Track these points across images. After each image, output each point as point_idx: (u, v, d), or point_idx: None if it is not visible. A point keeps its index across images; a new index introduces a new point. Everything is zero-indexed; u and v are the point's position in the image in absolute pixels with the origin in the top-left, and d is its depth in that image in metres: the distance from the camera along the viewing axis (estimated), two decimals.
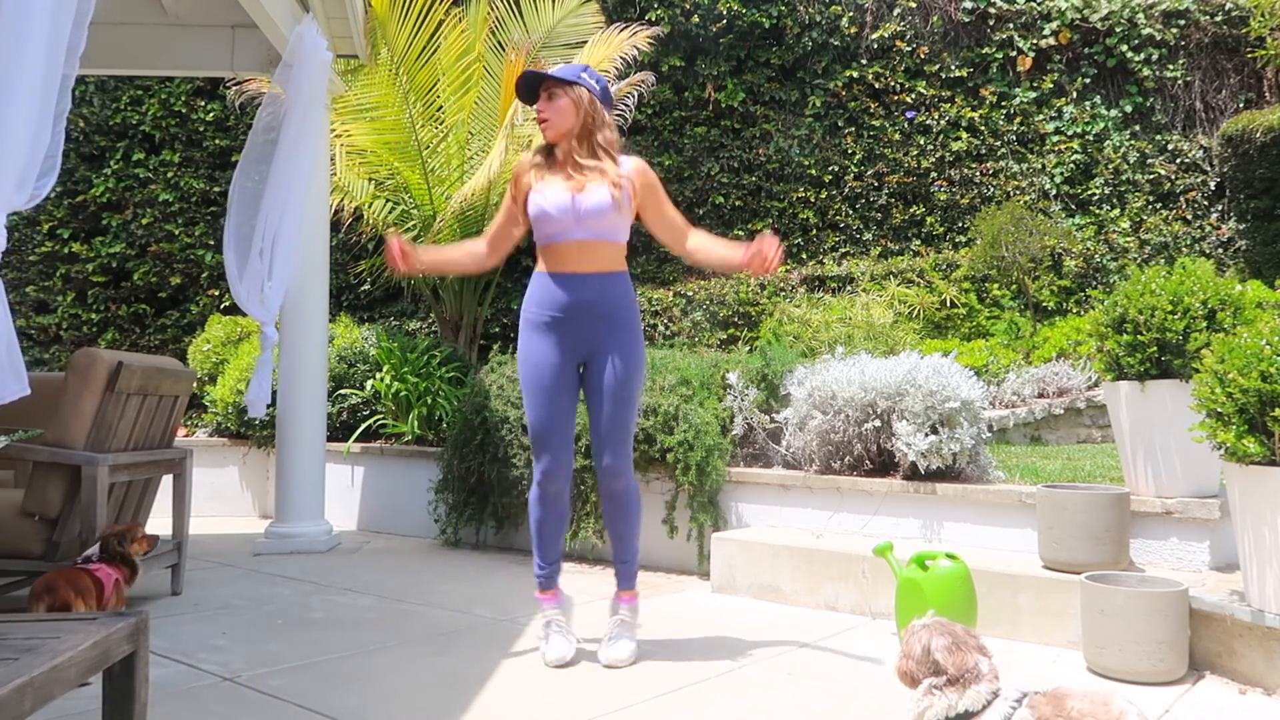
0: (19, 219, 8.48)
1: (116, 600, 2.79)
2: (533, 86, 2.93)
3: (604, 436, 2.89)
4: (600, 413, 2.89)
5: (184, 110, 8.67)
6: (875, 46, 8.53)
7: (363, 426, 5.86)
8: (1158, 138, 8.17)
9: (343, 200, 7.14)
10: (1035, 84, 8.35)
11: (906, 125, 8.45)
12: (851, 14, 8.54)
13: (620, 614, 3.00)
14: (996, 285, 7.74)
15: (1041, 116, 8.31)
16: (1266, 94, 8.21)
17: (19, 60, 2.46)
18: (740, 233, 8.46)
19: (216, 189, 8.70)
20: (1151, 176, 8.11)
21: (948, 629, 1.88)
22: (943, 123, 8.39)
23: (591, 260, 2.86)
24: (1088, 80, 8.29)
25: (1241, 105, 8.18)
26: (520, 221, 3.00)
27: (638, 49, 6.96)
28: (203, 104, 8.68)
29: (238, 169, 4.92)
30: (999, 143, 8.34)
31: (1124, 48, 8.22)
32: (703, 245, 2.98)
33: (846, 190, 8.46)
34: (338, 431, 5.99)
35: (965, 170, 8.34)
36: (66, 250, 8.47)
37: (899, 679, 1.93)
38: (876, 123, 8.48)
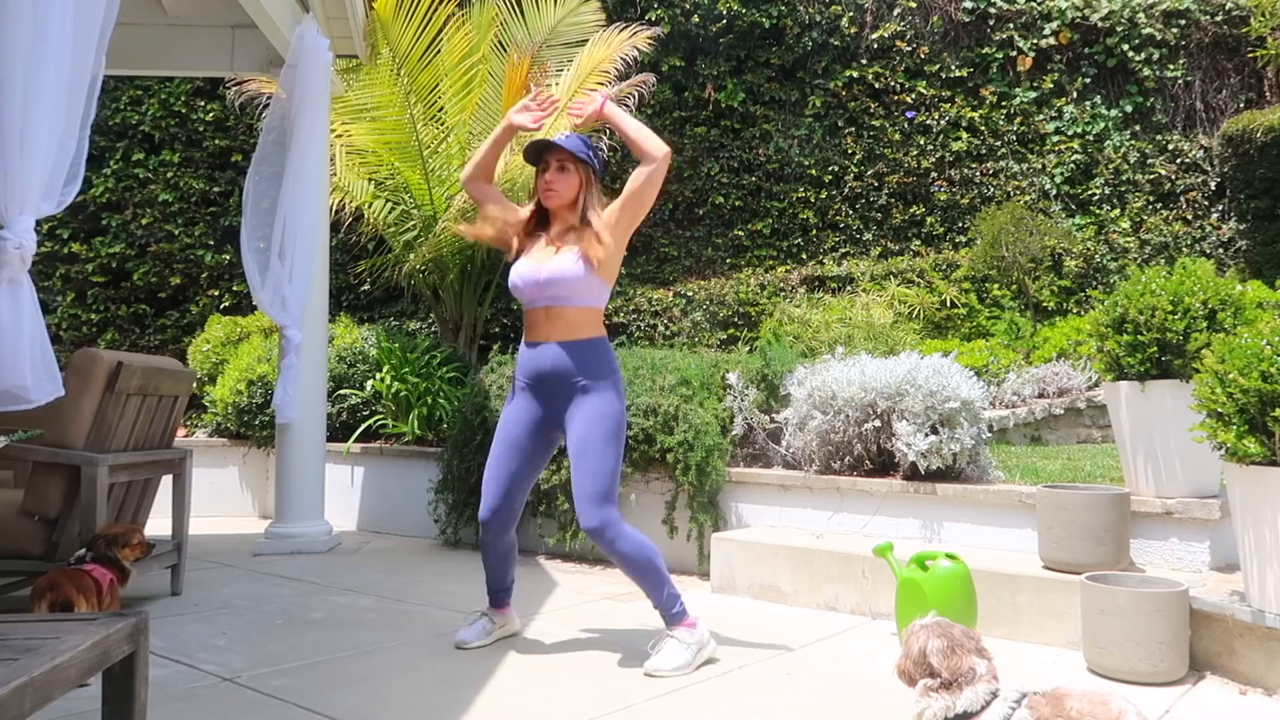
0: None
1: (110, 601, 2.79)
2: (538, 152, 2.98)
3: (580, 497, 2.85)
4: (577, 474, 2.87)
5: (184, 110, 8.67)
6: (875, 46, 8.53)
7: (363, 427, 5.86)
8: (1158, 138, 8.17)
9: (343, 200, 7.14)
10: (1035, 84, 8.35)
11: (906, 125, 8.45)
12: (851, 14, 8.54)
13: (668, 632, 2.90)
14: (996, 285, 7.74)
15: (1042, 116, 8.31)
16: (1267, 94, 8.22)
17: (41, 66, 2.47)
18: (740, 233, 8.47)
19: (216, 189, 8.70)
20: (1152, 176, 8.11)
21: (946, 631, 1.88)
22: (943, 123, 8.39)
23: (559, 328, 2.91)
24: (1088, 80, 8.29)
25: (1242, 105, 8.18)
26: (505, 226, 3.07)
27: (638, 49, 6.96)
28: (203, 104, 8.68)
29: (250, 172, 4.92)
30: (999, 143, 8.34)
31: (1124, 47, 8.22)
32: (633, 150, 3.00)
33: (846, 190, 8.46)
34: (338, 431, 5.99)
35: (965, 170, 8.34)
36: (66, 250, 8.47)
37: (899, 677, 1.93)
38: (876, 123, 8.48)
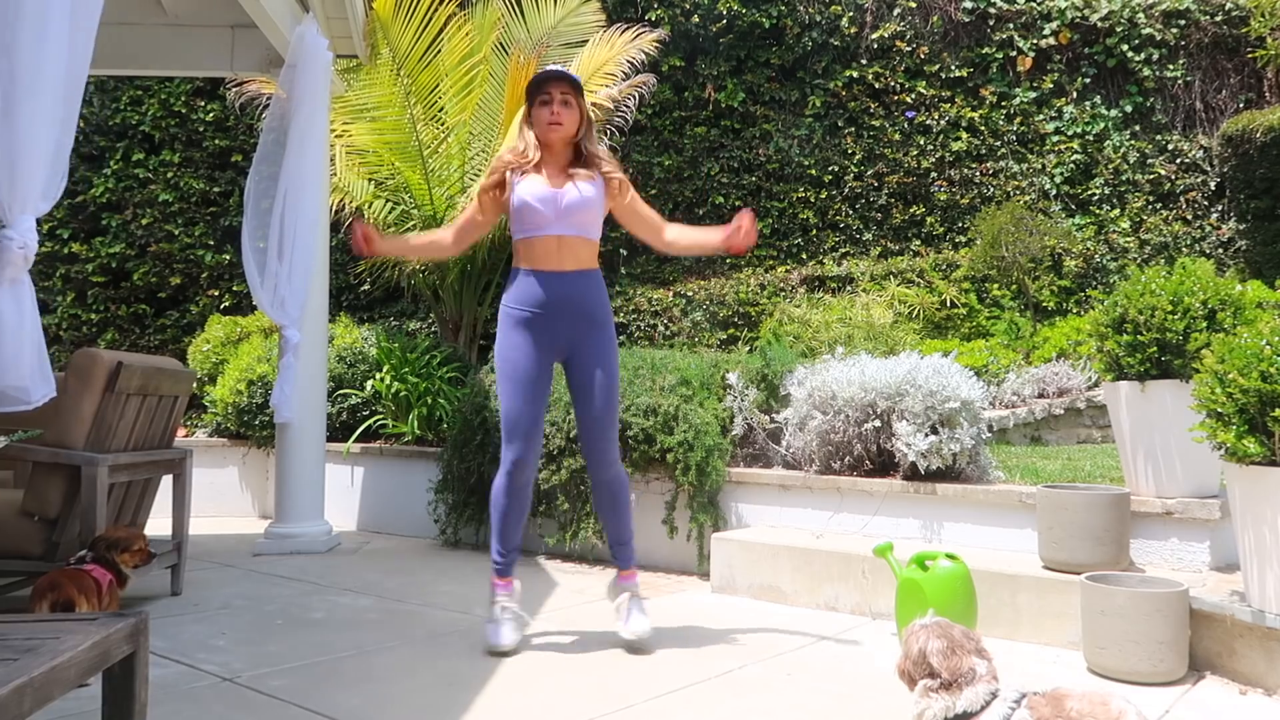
0: None
1: (110, 602, 2.79)
2: (541, 83, 2.98)
3: (595, 429, 2.99)
4: (590, 406, 2.98)
5: (184, 110, 8.67)
6: (875, 46, 8.53)
7: (363, 427, 5.86)
8: (1158, 138, 8.18)
9: (343, 200, 7.14)
10: (1035, 84, 8.35)
11: (906, 125, 8.45)
12: (851, 14, 8.54)
13: (626, 589, 3.09)
14: (996, 285, 7.74)
15: (1041, 116, 8.31)
16: (1266, 94, 8.22)
17: (45, 65, 2.47)
18: None
19: (216, 189, 8.70)
20: (1151, 176, 8.11)
21: (946, 632, 1.88)
22: (943, 123, 8.39)
23: (571, 257, 2.95)
24: (1088, 80, 8.29)
25: (1241, 105, 8.19)
26: (489, 213, 3.07)
27: (645, 53, 6.94)
28: (202, 104, 8.68)
29: (250, 173, 4.92)
30: (999, 143, 8.34)
31: (1124, 47, 8.22)
32: (681, 234, 3.14)
33: (846, 190, 8.46)
34: (338, 431, 6.00)
35: (965, 170, 8.34)
36: (66, 250, 8.47)
37: (899, 677, 1.93)
38: (876, 123, 8.48)
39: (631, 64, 6.94)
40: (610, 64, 6.84)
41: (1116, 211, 8.10)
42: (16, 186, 2.50)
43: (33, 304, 2.58)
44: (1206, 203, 8.04)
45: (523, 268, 2.98)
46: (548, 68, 3.00)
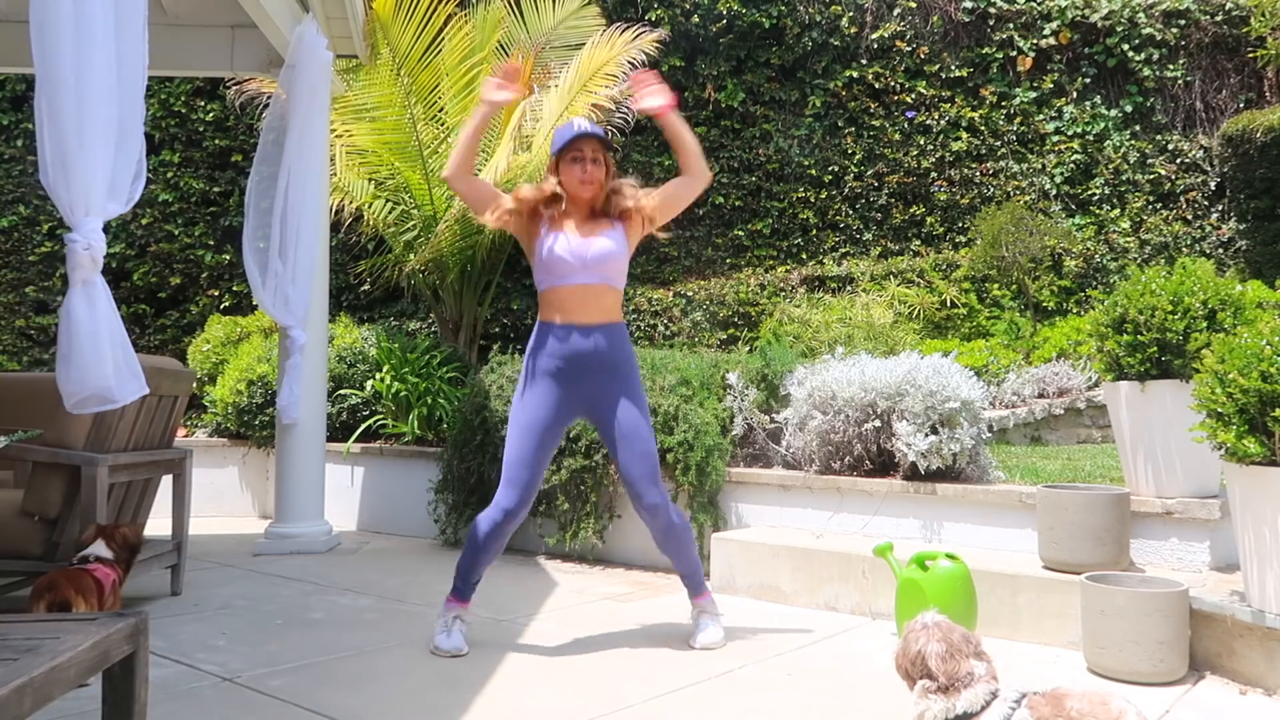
0: (19, 219, 8.48)
1: (114, 601, 2.79)
2: (574, 140, 3.00)
3: (640, 479, 2.99)
4: (632, 457, 2.99)
5: (184, 110, 8.68)
6: (875, 46, 8.53)
7: (363, 427, 5.86)
8: (1158, 138, 8.17)
9: (343, 200, 7.14)
10: (1035, 84, 8.35)
11: (906, 125, 8.45)
12: (851, 14, 8.54)
13: (699, 606, 3.14)
14: (996, 285, 7.74)
15: (1041, 116, 8.31)
16: (1267, 94, 8.22)
17: (89, 68, 2.48)
18: (740, 233, 8.47)
19: (216, 189, 8.70)
20: (1151, 176, 8.11)
21: (946, 635, 1.87)
22: (943, 123, 8.39)
23: (597, 308, 2.98)
24: (1088, 80, 8.29)
25: (1241, 105, 8.19)
26: (502, 215, 3.04)
27: (645, 53, 6.94)
28: (203, 104, 8.68)
29: (251, 173, 4.92)
30: (999, 143, 8.34)
31: (1124, 47, 8.22)
32: (683, 166, 3.16)
33: (846, 190, 8.46)
34: (338, 431, 5.99)
35: (965, 170, 8.34)
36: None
37: (897, 671, 1.94)
38: (876, 123, 8.48)
39: (631, 63, 6.93)
40: (610, 64, 6.84)
41: (1116, 211, 8.10)
42: (74, 188, 2.50)
43: (108, 304, 2.59)
44: (1206, 203, 8.04)
45: (546, 320, 3.00)
46: (581, 127, 2.99)
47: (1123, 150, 8.16)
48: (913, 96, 8.47)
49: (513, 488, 2.97)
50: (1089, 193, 8.15)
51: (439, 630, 3.00)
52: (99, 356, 2.51)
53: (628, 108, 7.25)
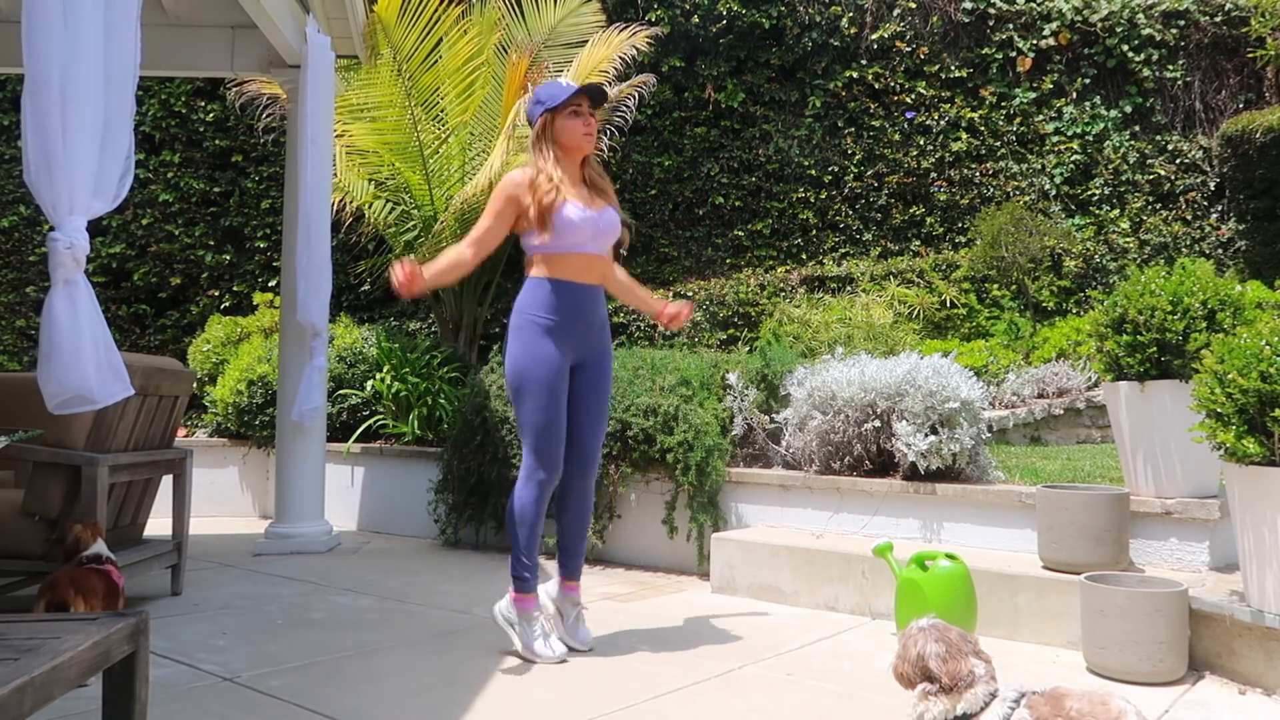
0: (19, 219, 8.48)
1: (121, 602, 2.79)
2: (572, 94, 3.00)
3: (592, 436, 3.06)
4: (594, 413, 3.06)
5: (184, 110, 8.68)
6: (875, 47, 8.53)
7: (363, 427, 5.86)
8: (1158, 138, 8.18)
9: (343, 200, 7.14)
10: (1035, 84, 8.35)
11: (906, 125, 8.45)
12: (851, 14, 8.54)
13: (574, 600, 3.11)
14: (996, 285, 7.74)
15: (1041, 117, 8.31)
16: (1266, 94, 8.22)
17: (76, 66, 2.47)
18: (740, 233, 8.47)
19: (216, 189, 8.70)
20: (1151, 177, 8.11)
21: (944, 636, 1.88)
22: (942, 123, 8.39)
23: (598, 273, 3.05)
24: (1087, 81, 8.29)
25: (1241, 105, 8.18)
26: (511, 225, 3.03)
27: (637, 49, 6.96)
28: (203, 104, 8.68)
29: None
30: (999, 143, 8.34)
31: (1124, 48, 8.22)
32: (628, 285, 3.24)
33: (846, 190, 8.47)
34: (338, 431, 6.00)
35: (965, 170, 8.34)
36: None
37: (896, 680, 1.93)
38: (876, 123, 8.48)
39: (626, 61, 6.93)
40: (606, 63, 6.84)
41: (1116, 212, 8.10)
42: (57, 187, 2.49)
43: (92, 304, 2.58)
44: (1206, 203, 8.04)
45: (552, 277, 2.96)
46: (573, 85, 3.00)
47: (1122, 151, 8.16)
48: (912, 97, 8.47)
49: (550, 452, 2.91)
50: (1089, 193, 8.15)
51: (535, 637, 2.91)
52: (79, 357, 2.50)
53: (627, 107, 7.26)
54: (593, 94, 3.03)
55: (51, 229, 2.59)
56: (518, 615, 2.96)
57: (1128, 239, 8.01)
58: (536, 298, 2.96)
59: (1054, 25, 8.31)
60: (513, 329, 2.97)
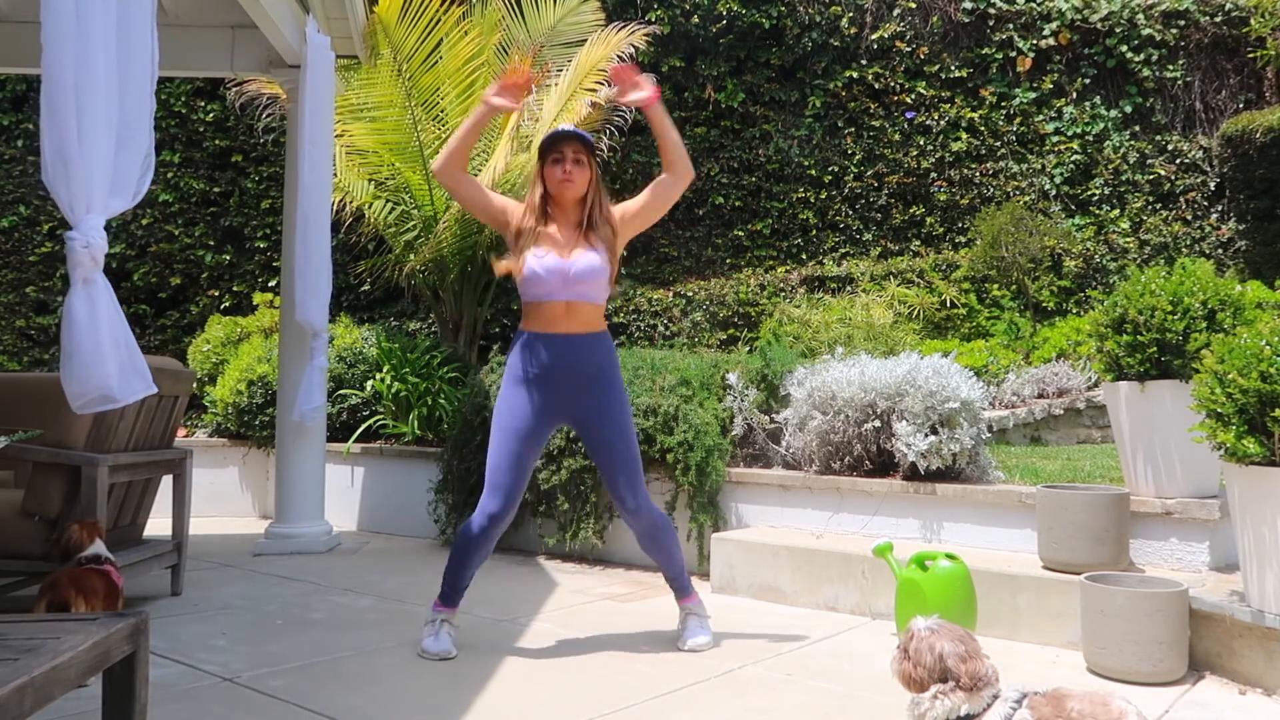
0: (19, 219, 8.48)
1: (121, 602, 2.79)
2: (554, 141, 2.99)
3: (624, 484, 3.02)
4: (614, 464, 3.01)
5: (184, 110, 8.68)
6: (875, 47, 8.53)
7: (363, 427, 5.86)
8: (1158, 138, 8.18)
9: (343, 200, 7.14)
10: (1035, 84, 8.35)
11: (906, 126, 8.45)
12: (851, 14, 8.54)
13: (687, 609, 3.14)
14: (996, 285, 7.74)
15: (1041, 117, 8.31)
16: (1266, 94, 8.22)
17: (90, 65, 2.47)
18: (740, 233, 8.47)
19: (216, 189, 8.70)
20: (1151, 177, 8.11)
21: (960, 635, 1.86)
22: (942, 123, 8.39)
23: (579, 322, 2.99)
24: (1087, 81, 8.29)
25: (1241, 105, 8.18)
26: (493, 217, 3.07)
27: (636, 48, 6.95)
28: (203, 104, 8.68)
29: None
30: (999, 143, 8.34)
31: (1124, 48, 8.22)
32: (666, 164, 3.05)
33: (846, 190, 8.47)
34: (338, 432, 5.99)
35: (965, 171, 8.34)
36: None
37: (901, 682, 1.90)
38: (876, 123, 8.48)
39: (625, 60, 6.93)
40: (604, 62, 6.84)
41: (1116, 212, 8.10)
42: (74, 186, 2.49)
43: (111, 302, 2.57)
44: (1206, 203, 8.04)
45: (529, 330, 2.99)
46: (561, 127, 2.99)
47: (1122, 150, 8.16)
48: (912, 97, 8.47)
49: (496, 492, 2.97)
50: (1089, 193, 8.15)
51: (427, 634, 3.00)
52: (100, 356, 2.50)
53: (626, 105, 7.25)
54: (565, 137, 2.96)
55: (68, 228, 2.59)
56: (430, 612, 3.07)
57: (1128, 239, 8.01)
58: (515, 350, 3.03)
59: (1054, 25, 8.31)
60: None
